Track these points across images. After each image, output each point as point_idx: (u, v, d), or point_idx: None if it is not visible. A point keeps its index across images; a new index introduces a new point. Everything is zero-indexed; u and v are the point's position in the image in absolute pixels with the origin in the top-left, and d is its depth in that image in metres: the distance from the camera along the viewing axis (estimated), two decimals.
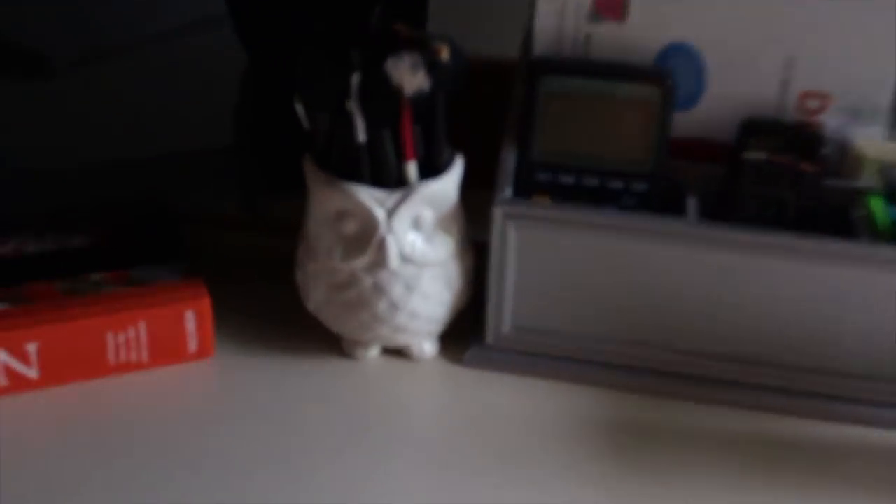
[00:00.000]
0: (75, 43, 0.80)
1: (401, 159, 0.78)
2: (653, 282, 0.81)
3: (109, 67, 0.81)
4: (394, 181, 0.79)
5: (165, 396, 0.82)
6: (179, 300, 0.83)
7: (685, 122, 0.84)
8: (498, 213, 0.80)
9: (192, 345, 0.84)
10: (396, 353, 0.86)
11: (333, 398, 0.82)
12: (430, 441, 0.79)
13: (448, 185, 0.80)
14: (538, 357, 0.85)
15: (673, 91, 0.81)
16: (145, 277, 0.84)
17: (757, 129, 0.82)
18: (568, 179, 0.83)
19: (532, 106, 0.82)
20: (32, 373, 0.80)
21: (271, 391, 0.83)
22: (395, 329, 0.83)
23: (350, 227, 0.79)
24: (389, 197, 0.78)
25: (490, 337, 0.85)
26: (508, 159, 0.82)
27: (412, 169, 0.79)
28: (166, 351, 0.83)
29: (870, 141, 0.83)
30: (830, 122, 0.83)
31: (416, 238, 0.80)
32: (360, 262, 0.80)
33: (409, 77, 0.76)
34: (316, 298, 0.83)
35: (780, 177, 0.81)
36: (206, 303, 0.83)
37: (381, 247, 0.79)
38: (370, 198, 0.78)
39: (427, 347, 0.86)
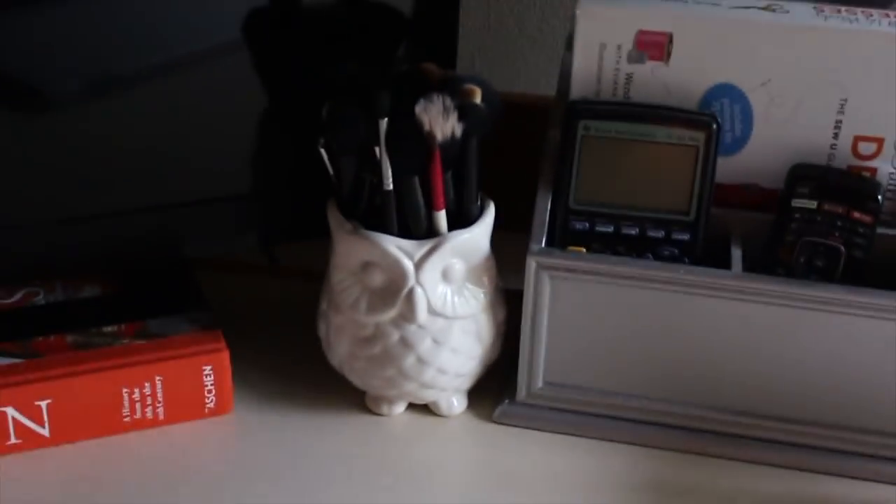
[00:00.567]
0: (80, 78, 0.78)
1: (430, 208, 0.75)
2: (693, 336, 0.78)
3: (120, 105, 0.80)
4: (423, 231, 0.76)
5: (181, 455, 0.79)
6: (197, 353, 0.80)
7: (730, 168, 0.81)
8: (531, 264, 0.77)
9: (210, 400, 0.81)
10: (423, 408, 0.84)
11: (357, 457, 0.80)
12: (459, 502, 0.77)
13: (479, 234, 0.77)
14: (571, 413, 0.82)
15: (718, 135, 0.78)
16: (161, 329, 0.82)
17: (807, 175, 0.79)
18: (606, 228, 0.80)
19: (569, 150, 0.79)
20: (44, 430, 0.78)
21: (292, 449, 0.80)
22: (423, 385, 0.80)
23: (376, 278, 0.77)
24: (418, 248, 0.75)
25: (522, 393, 0.82)
26: (543, 206, 0.79)
27: (442, 219, 0.76)
28: (183, 407, 0.81)
29: None
30: (884, 167, 0.80)
31: (445, 290, 0.77)
32: (387, 316, 0.77)
33: (440, 122, 0.73)
34: (339, 352, 0.80)
35: (830, 226, 0.78)
36: (224, 356, 0.80)
37: (409, 300, 0.76)
38: (397, 248, 0.75)
39: (455, 403, 0.83)
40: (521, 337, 0.80)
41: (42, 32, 0.75)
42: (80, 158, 0.79)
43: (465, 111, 0.73)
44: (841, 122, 0.79)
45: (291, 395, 0.84)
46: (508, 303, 0.82)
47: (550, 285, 0.78)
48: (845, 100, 0.78)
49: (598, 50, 0.79)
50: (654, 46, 0.79)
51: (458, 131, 0.73)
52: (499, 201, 0.79)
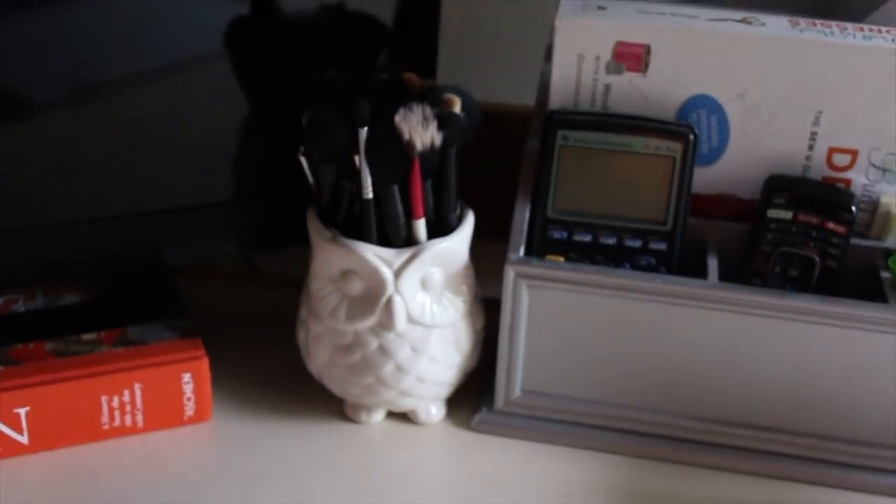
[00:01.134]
0: (61, 85, 0.78)
1: (409, 216, 0.76)
2: (670, 345, 0.78)
3: (100, 111, 0.79)
4: (402, 239, 0.76)
5: (160, 462, 0.79)
6: (176, 361, 0.80)
7: (707, 178, 0.82)
8: (510, 273, 0.77)
9: (190, 408, 0.81)
10: (402, 417, 0.83)
11: (335, 464, 0.80)
12: None
13: (458, 243, 0.77)
14: (549, 422, 0.82)
15: (694, 146, 0.78)
16: (140, 336, 0.81)
17: (782, 186, 0.80)
18: (583, 237, 0.80)
19: (547, 160, 0.79)
20: (23, 438, 0.77)
21: (271, 457, 0.80)
22: (401, 393, 0.80)
23: (356, 286, 0.77)
24: (397, 256, 0.75)
25: (500, 401, 0.82)
26: (521, 216, 0.80)
27: (421, 227, 0.76)
28: (162, 414, 0.80)
29: None
30: (858, 179, 0.80)
31: (424, 298, 0.77)
32: (366, 324, 0.77)
33: (420, 131, 0.73)
34: (318, 360, 0.80)
35: (805, 236, 0.79)
36: (204, 364, 0.80)
37: (388, 308, 0.76)
38: (377, 257, 0.75)
39: (434, 411, 0.83)
40: (500, 345, 0.80)
41: (24, 38, 0.75)
42: (59, 165, 0.79)
43: (444, 120, 0.74)
44: (816, 133, 0.80)
45: (270, 403, 0.84)
46: (487, 311, 0.82)
47: (528, 294, 0.78)
48: (820, 112, 0.79)
49: (577, 61, 0.79)
50: (632, 58, 0.79)
51: (438, 140, 0.74)
52: (478, 210, 0.79)
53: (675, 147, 0.78)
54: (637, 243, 0.80)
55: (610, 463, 0.81)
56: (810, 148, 0.80)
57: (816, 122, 0.79)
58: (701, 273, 0.79)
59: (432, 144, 0.73)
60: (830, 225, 0.78)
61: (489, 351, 0.82)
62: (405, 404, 0.81)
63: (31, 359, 0.79)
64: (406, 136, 0.73)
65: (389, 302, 0.76)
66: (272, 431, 0.82)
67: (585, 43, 0.79)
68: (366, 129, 0.73)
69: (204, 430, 0.82)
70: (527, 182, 0.81)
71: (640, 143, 0.78)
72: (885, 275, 0.79)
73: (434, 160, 0.75)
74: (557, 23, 0.79)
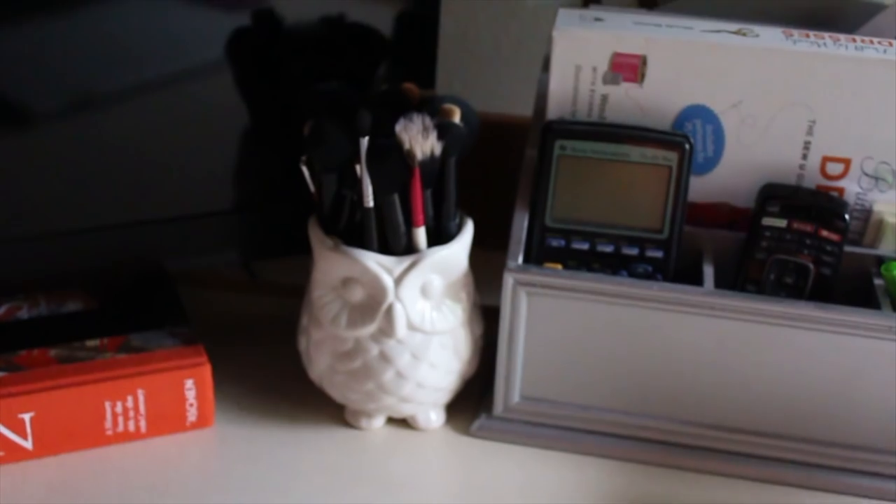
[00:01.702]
0: (62, 95, 0.78)
1: (409, 225, 0.76)
2: (667, 352, 0.79)
3: (102, 121, 0.80)
4: (402, 247, 0.77)
5: (163, 467, 0.79)
6: (179, 367, 0.80)
7: (703, 187, 0.83)
8: (509, 280, 0.78)
9: (192, 414, 0.81)
10: (402, 422, 0.84)
11: (336, 470, 0.80)
12: None
13: (458, 251, 0.78)
14: (548, 427, 0.83)
15: (690, 155, 0.79)
16: (143, 343, 0.82)
17: (776, 194, 0.80)
18: (581, 245, 0.81)
19: (545, 169, 0.80)
20: (27, 443, 0.78)
21: (272, 462, 0.80)
22: (402, 399, 0.80)
23: (356, 294, 0.77)
24: (398, 264, 0.76)
25: (499, 407, 0.82)
26: (520, 224, 0.80)
27: (421, 235, 0.76)
28: (165, 420, 0.81)
29: (892, 207, 0.81)
30: (851, 187, 0.81)
31: (424, 306, 0.78)
32: (367, 331, 0.78)
33: (420, 140, 0.74)
34: (319, 367, 0.81)
35: (800, 244, 0.80)
36: (206, 370, 0.81)
37: (389, 315, 0.77)
38: (377, 264, 0.76)
39: (433, 417, 0.84)
40: (498, 352, 0.81)
41: (25, 49, 0.75)
42: (62, 174, 0.80)
43: (444, 130, 0.75)
44: (810, 143, 0.81)
45: (272, 409, 0.85)
46: (486, 319, 0.83)
47: (527, 301, 0.79)
48: (814, 121, 0.80)
49: (574, 71, 0.80)
50: (628, 68, 0.80)
51: (438, 150, 0.75)
52: (477, 219, 0.80)
53: (672, 156, 0.79)
54: (634, 251, 0.81)
55: (608, 468, 0.81)
56: (804, 157, 0.81)
57: (810, 132, 0.80)
58: (697, 280, 0.79)
59: (432, 154, 0.74)
60: (824, 233, 0.79)
61: (488, 357, 0.82)
62: (405, 410, 0.82)
63: (35, 365, 0.79)
64: (406, 146, 0.74)
65: (390, 309, 0.76)
66: (274, 437, 0.82)
67: (583, 54, 0.80)
68: (367, 138, 0.74)
69: (206, 436, 0.82)
70: (525, 191, 0.82)
71: (637, 152, 0.79)
72: (878, 282, 0.80)
73: (434, 169, 0.75)
74: (555, 34, 0.80)
